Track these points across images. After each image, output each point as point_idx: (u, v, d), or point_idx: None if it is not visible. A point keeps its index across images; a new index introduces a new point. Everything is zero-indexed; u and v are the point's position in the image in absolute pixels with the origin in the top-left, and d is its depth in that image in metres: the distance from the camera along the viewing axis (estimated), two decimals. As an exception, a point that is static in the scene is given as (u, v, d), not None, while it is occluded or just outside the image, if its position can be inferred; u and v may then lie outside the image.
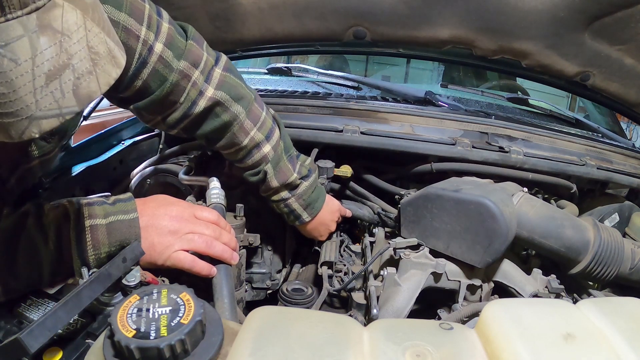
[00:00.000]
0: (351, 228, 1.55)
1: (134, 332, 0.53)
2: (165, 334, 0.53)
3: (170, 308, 0.57)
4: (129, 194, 0.90)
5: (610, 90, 1.58)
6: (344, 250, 1.37)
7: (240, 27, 1.55)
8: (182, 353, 0.53)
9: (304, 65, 2.19)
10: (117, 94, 0.96)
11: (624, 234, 1.47)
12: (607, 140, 1.78)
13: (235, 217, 1.20)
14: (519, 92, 2.38)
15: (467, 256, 1.06)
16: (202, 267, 0.89)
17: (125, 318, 0.55)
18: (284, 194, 1.20)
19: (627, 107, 1.65)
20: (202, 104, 1.02)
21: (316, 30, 1.55)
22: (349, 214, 1.41)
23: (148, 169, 1.46)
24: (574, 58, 1.48)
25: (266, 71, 2.12)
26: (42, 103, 0.51)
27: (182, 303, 0.58)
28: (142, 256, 0.83)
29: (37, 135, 0.53)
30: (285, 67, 2.09)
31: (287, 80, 2.06)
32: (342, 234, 1.44)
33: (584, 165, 1.43)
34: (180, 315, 0.56)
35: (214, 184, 1.14)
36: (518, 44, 1.45)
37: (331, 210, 1.33)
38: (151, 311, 0.57)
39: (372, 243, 1.31)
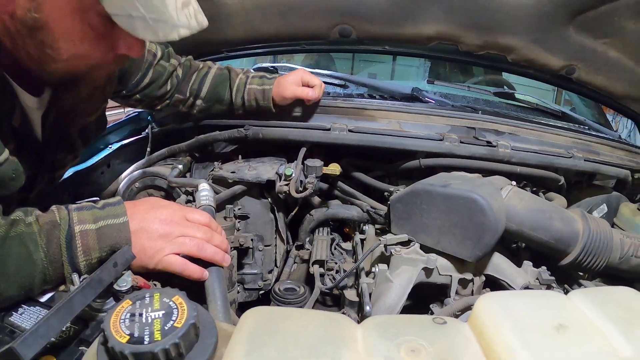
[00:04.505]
0: (341, 226, 1.55)
1: (128, 337, 0.53)
2: (159, 338, 0.53)
3: (163, 312, 0.57)
4: (118, 198, 0.89)
5: (595, 83, 1.60)
6: (335, 249, 1.38)
7: (226, 28, 1.55)
8: (176, 357, 0.53)
9: (290, 65, 2.19)
10: (129, 88, 1.35)
11: (613, 225, 1.48)
12: (594, 133, 1.79)
13: (225, 218, 1.20)
14: (505, 87, 2.40)
15: (458, 251, 1.06)
16: (194, 271, 0.88)
17: (118, 323, 0.55)
18: None
19: (612, 99, 1.67)
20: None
21: (302, 29, 1.55)
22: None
23: (136, 172, 1.45)
24: (559, 52, 1.49)
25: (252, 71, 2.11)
26: (180, 18, 0.84)
27: (175, 306, 0.58)
28: (133, 260, 0.83)
29: (176, 38, 0.84)
30: (272, 66, 2.08)
31: (274, 80, 2.04)
32: (332, 232, 1.44)
33: (571, 157, 1.45)
34: (174, 318, 0.56)
35: (203, 186, 1.14)
36: (503, 38, 1.47)
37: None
38: (144, 316, 0.56)
39: (362, 240, 1.31)
